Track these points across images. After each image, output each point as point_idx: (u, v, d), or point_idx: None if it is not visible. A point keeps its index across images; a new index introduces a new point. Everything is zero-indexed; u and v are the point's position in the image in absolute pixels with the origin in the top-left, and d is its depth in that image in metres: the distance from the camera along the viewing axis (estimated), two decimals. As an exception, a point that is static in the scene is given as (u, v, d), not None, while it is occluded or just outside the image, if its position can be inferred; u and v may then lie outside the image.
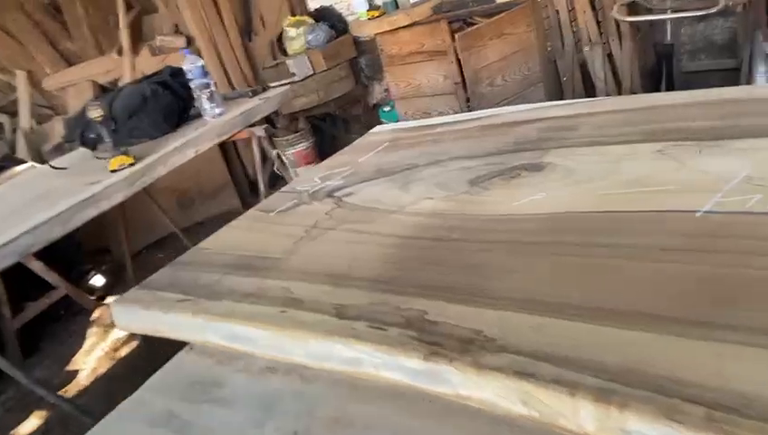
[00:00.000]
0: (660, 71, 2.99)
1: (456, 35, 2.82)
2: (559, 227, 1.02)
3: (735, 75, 2.80)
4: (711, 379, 0.63)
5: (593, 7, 2.92)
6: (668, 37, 2.71)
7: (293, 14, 4.69)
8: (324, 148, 4.37)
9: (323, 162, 1.68)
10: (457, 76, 3.26)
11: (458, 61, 3.15)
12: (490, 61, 2.92)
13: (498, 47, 2.91)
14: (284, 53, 4.62)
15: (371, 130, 1.87)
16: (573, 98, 2.92)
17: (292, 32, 4.44)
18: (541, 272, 0.90)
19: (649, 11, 2.66)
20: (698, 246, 0.86)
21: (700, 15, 2.58)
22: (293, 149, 4.60)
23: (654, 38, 2.95)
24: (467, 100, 3.28)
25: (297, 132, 4.59)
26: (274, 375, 1.09)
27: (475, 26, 2.91)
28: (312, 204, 1.42)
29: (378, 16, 3.55)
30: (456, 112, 3.29)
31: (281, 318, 0.98)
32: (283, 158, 3.88)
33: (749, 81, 2.74)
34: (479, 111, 1.68)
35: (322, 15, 4.51)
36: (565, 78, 3.05)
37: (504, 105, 1.60)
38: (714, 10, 2.41)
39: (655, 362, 0.67)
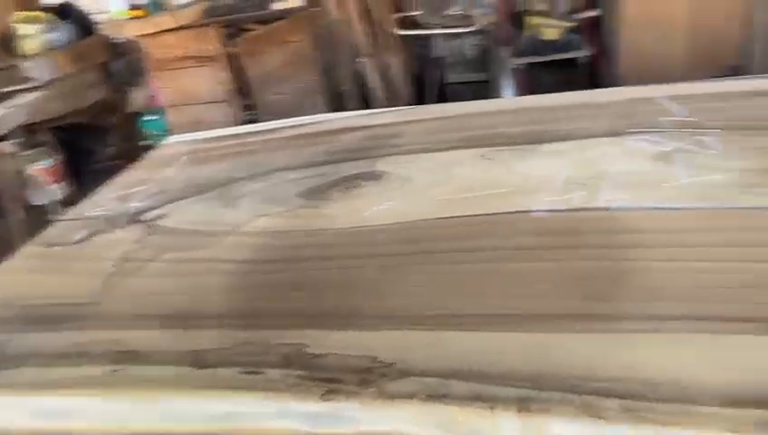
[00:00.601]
0: (425, 82, 3.25)
1: (239, 40, 2.69)
2: (413, 236, 1.01)
3: (488, 87, 3.17)
4: (619, 370, 0.66)
5: (367, 20, 3.05)
6: (436, 51, 2.95)
7: (23, 10, 4.00)
8: (78, 163, 3.82)
9: (116, 180, 1.43)
10: (231, 83, 3.12)
11: (233, 68, 3.02)
12: (272, 67, 2.85)
13: (279, 55, 2.86)
14: (13, 53, 3.91)
15: (164, 142, 1.66)
16: (352, 109, 2.99)
17: (25, 29, 3.78)
18: (417, 284, 0.87)
19: (419, 26, 2.87)
20: (558, 243, 0.91)
21: (462, 33, 2.87)
22: (36, 166, 3.93)
23: (420, 52, 3.20)
24: (245, 108, 3.15)
25: (38, 146, 3.93)
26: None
27: (256, 32, 2.82)
28: (113, 232, 1.19)
29: (141, 17, 3.21)
30: (232, 122, 3.14)
31: (114, 379, 0.79)
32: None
33: (499, 94, 3.12)
34: (290, 120, 1.60)
35: (64, 12, 3.93)
36: (344, 88, 3.12)
37: (289, 115, 1.56)
38: (474, 28, 2.70)
39: (564, 362, 0.68)
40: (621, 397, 0.63)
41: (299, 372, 0.73)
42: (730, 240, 0.87)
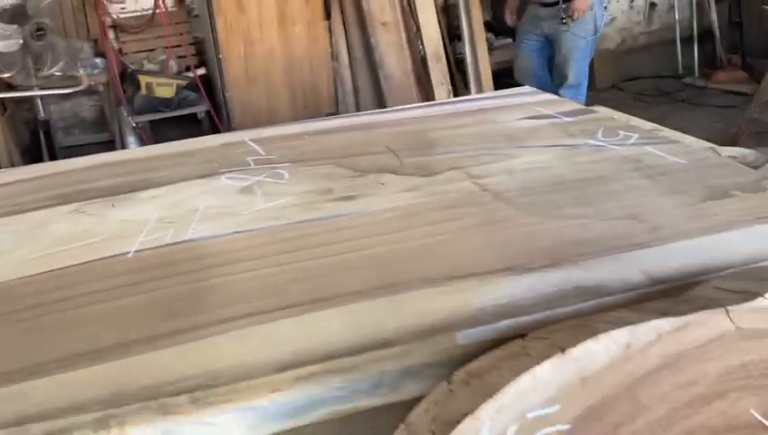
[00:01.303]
0: (39, 147, 3.00)
1: None
2: (-5, 300, 0.96)
3: (112, 147, 3.09)
4: (190, 370, 0.76)
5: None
6: (42, 113, 2.75)
7: None
8: None
9: None
10: None
11: None
12: None
13: None
14: None
15: None
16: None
17: None
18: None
19: (14, 88, 2.64)
20: (148, 277, 0.99)
21: (67, 93, 2.74)
22: None
23: (27, 115, 2.94)
24: None
25: None
26: None
27: None
28: None
29: None
30: None
31: None
32: None
33: (125, 151, 3.07)
34: None
35: None
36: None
37: None
38: (80, 88, 2.61)
39: (143, 377, 0.75)
40: (190, 391, 0.73)
41: None
42: (289, 248, 1.07)
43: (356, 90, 3.32)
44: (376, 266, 0.98)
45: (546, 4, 2.95)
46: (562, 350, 0.60)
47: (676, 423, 0.64)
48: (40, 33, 2.45)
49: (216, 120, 3.08)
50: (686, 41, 4.67)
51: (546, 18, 2.97)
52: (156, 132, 2.97)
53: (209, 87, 3.14)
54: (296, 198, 1.26)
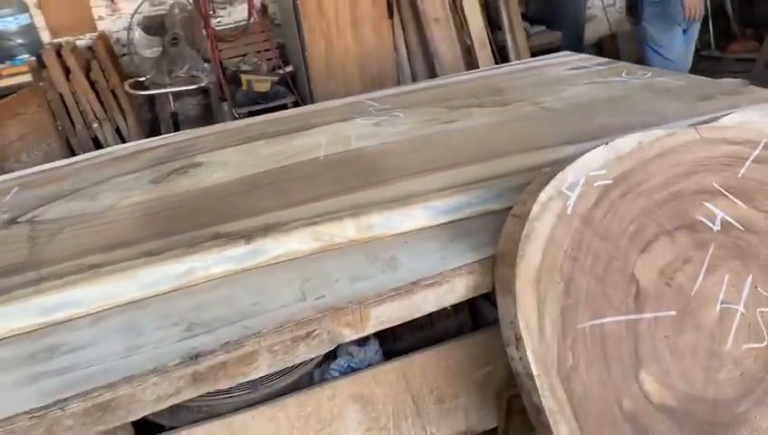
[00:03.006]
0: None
1: None
2: (249, 181, 1.56)
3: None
4: (389, 193, 1.34)
5: (93, 89, 3.33)
6: (173, 107, 3.42)
7: None
8: None
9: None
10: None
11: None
12: (11, 139, 2.92)
13: (15, 127, 2.95)
14: None
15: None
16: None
17: None
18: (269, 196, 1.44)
19: (145, 88, 3.31)
20: (334, 167, 1.58)
21: (191, 90, 3.41)
22: None
23: (147, 115, 3.61)
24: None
25: None
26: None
27: None
28: (6, 229, 1.46)
29: None
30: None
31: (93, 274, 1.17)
32: None
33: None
34: (95, 152, 1.96)
35: None
36: (81, 151, 3.31)
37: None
38: (201, 85, 3.28)
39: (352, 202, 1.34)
40: (400, 201, 1.31)
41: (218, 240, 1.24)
42: (422, 146, 1.65)
43: (413, 77, 3.91)
44: (486, 149, 1.55)
45: None
46: (606, 144, 1.17)
47: (670, 186, 1.20)
48: (174, 41, 3.11)
49: (302, 109, 3.71)
50: (703, 19, 5.14)
51: None
52: (253, 122, 3.59)
53: (293, 82, 3.78)
54: (414, 125, 1.84)
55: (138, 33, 3.13)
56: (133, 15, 3.46)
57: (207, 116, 3.78)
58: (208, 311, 1.13)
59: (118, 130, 3.44)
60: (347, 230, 1.28)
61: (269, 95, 3.55)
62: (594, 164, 1.16)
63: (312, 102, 3.59)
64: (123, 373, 1.00)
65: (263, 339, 1.05)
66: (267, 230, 1.27)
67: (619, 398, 1.14)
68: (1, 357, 1.08)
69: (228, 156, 1.78)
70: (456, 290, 1.18)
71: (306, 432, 1.27)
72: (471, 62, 3.92)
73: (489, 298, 1.54)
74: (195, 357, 1.02)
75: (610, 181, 1.16)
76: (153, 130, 3.71)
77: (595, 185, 1.14)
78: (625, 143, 1.18)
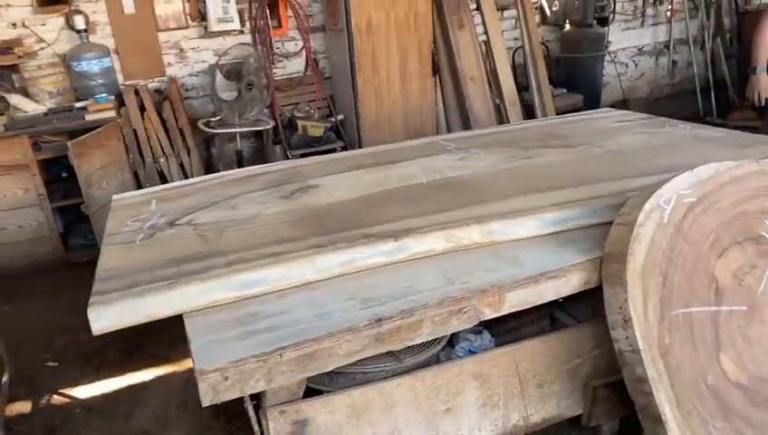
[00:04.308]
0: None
1: (70, 143, 2.98)
2: (361, 199, 1.85)
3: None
4: (504, 208, 1.63)
5: (164, 127, 3.63)
6: (239, 146, 3.73)
7: None
8: None
9: (115, 213, 1.88)
10: (41, 188, 3.35)
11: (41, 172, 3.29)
12: (96, 168, 3.18)
13: (100, 157, 3.21)
14: None
15: (116, 197, 2.09)
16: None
17: None
18: (395, 209, 1.72)
19: (213, 127, 3.63)
20: (437, 189, 1.87)
21: (256, 131, 3.74)
22: None
23: (209, 150, 3.93)
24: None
25: None
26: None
27: (83, 136, 3.13)
28: (164, 231, 1.71)
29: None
30: (41, 222, 3.36)
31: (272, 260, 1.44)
32: None
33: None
34: (215, 174, 2.24)
35: None
36: (148, 184, 3.58)
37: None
38: (267, 127, 3.62)
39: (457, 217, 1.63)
40: (513, 213, 1.60)
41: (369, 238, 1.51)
42: (512, 174, 1.95)
43: (449, 129, 4.27)
44: (573, 177, 1.85)
45: None
46: (691, 169, 1.47)
47: (739, 206, 1.50)
48: (249, 87, 3.45)
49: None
50: (704, 90, 5.63)
51: None
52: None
53: (342, 128, 4.12)
54: (496, 160, 2.15)
55: (218, 78, 3.47)
56: (217, 62, 3.76)
57: (260, 157, 4.08)
58: (373, 290, 1.39)
59: (181, 166, 3.72)
60: (473, 234, 1.56)
61: (322, 139, 3.88)
62: (683, 185, 1.46)
63: (360, 147, 3.92)
64: (322, 331, 1.25)
65: (428, 310, 1.31)
66: (408, 232, 1.55)
67: (704, 374, 1.40)
68: (212, 320, 1.33)
69: (337, 181, 2.06)
70: (570, 283, 1.45)
71: (436, 403, 1.50)
72: (500, 118, 4.30)
73: (565, 309, 1.83)
74: (378, 321, 1.27)
75: (695, 199, 1.46)
76: (209, 166, 4.00)
77: (684, 201, 1.44)
78: (705, 170, 1.49)
